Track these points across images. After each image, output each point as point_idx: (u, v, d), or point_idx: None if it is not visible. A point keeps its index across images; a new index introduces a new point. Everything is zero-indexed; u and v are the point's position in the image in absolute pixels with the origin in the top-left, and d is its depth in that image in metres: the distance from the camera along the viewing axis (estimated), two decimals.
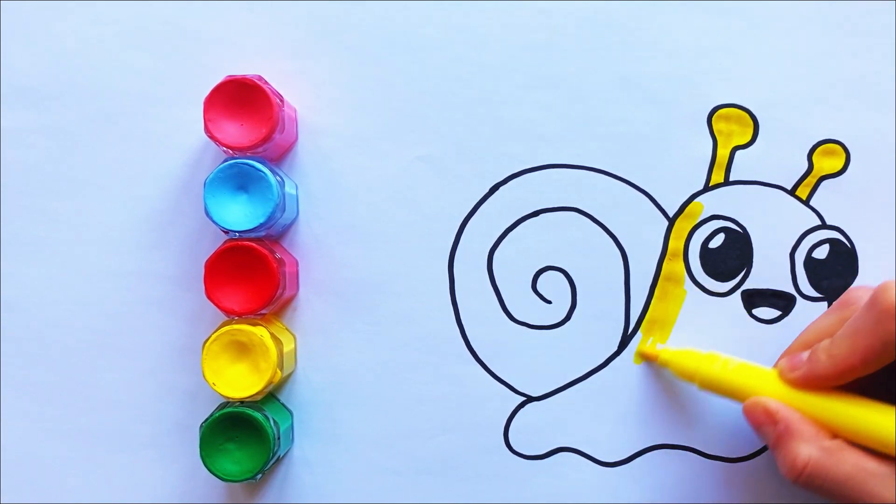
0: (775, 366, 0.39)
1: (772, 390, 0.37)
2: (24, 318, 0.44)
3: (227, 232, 0.40)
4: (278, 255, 0.41)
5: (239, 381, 0.40)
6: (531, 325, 0.43)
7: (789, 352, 0.40)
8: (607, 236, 0.43)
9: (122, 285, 0.43)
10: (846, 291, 0.40)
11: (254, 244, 0.40)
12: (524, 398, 0.43)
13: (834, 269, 0.43)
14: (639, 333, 0.43)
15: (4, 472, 0.44)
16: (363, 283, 0.43)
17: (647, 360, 0.43)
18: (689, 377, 0.41)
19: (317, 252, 0.44)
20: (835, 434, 0.36)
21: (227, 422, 0.40)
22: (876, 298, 0.34)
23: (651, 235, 0.43)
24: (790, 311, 0.43)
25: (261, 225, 0.40)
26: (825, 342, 0.36)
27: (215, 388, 0.40)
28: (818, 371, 0.36)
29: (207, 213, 0.40)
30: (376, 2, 0.43)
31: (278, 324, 0.43)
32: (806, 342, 0.39)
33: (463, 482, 0.43)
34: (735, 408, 0.40)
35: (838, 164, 0.43)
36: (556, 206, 0.43)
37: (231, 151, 0.41)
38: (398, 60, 0.43)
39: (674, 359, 0.41)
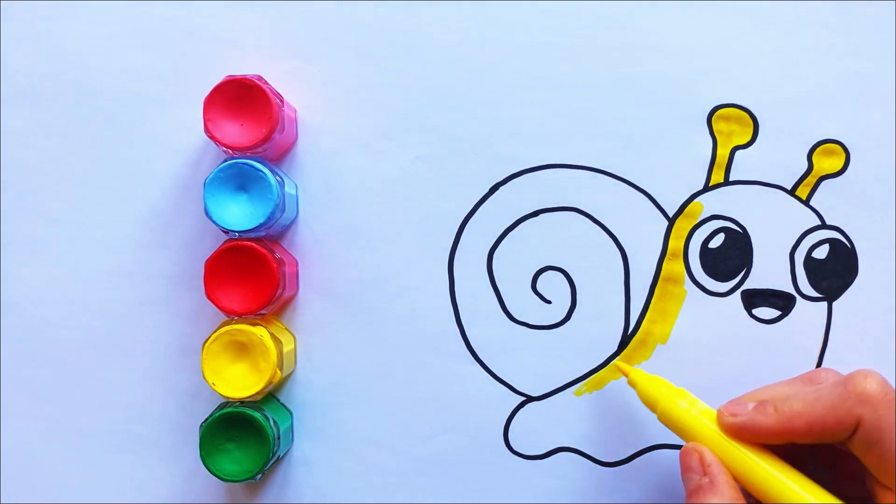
0: (717, 410, 0.38)
1: (719, 445, 0.37)
2: (24, 318, 0.44)
3: (227, 232, 0.40)
4: (278, 255, 0.41)
5: (239, 381, 0.40)
6: (531, 325, 0.43)
7: (738, 401, 0.39)
8: (607, 236, 0.43)
9: (122, 285, 0.43)
10: (815, 369, 0.40)
11: (254, 244, 0.40)
12: (524, 398, 0.43)
13: (834, 269, 0.43)
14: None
15: (4, 472, 0.44)
16: (363, 283, 0.43)
17: (622, 373, 0.42)
18: (652, 405, 0.40)
19: (317, 252, 0.44)
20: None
21: (227, 422, 0.40)
22: (852, 379, 0.34)
23: (651, 235, 0.43)
24: (790, 311, 0.43)
25: (261, 225, 0.40)
26: (777, 399, 0.36)
27: (215, 388, 0.40)
28: (759, 422, 0.36)
29: (207, 213, 0.40)
30: (376, 2, 0.43)
31: (278, 324, 0.43)
32: (757, 397, 0.38)
33: (463, 482, 0.43)
34: None
35: (838, 164, 0.43)
36: (556, 206, 0.43)
37: (231, 151, 0.41)
38: (398, 60, 0.43)
39: (642, 382, 0.40)
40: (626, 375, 0.42)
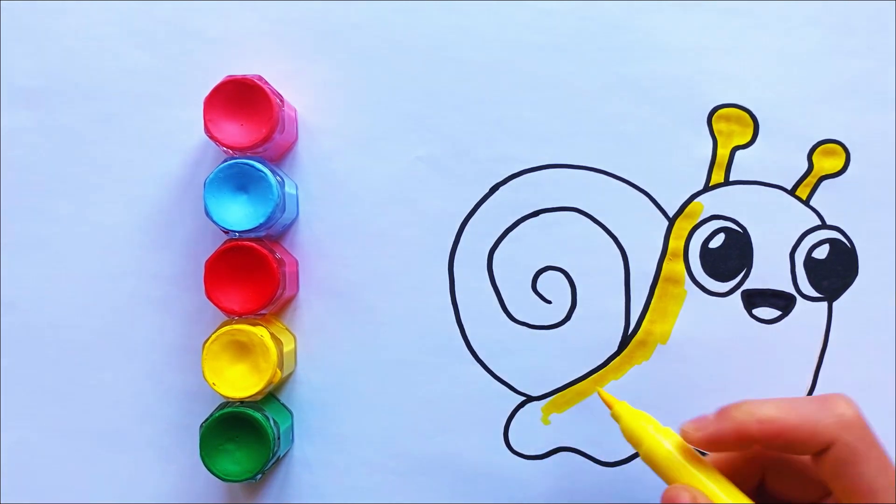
0: (680, 430, 0.36)
1: (702, 484, 0.35)
2: (24, 318, 0.44)
3: (227, 232, 0.40)
4: (278, 255, 0.41)
5: (239, 381, 0.40)
6: (531, 325, 0.43)
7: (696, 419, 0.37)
8: (607, 236, 0.43)
9: (122, 285, 0.43)
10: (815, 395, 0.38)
11: (254, 244, 0.40)
12: (524, 398, 0.43)
13: (834, 269, 0.43)
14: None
15: (4, 472, 0.44)
16: (363, 283, 0.43)
17: (606, 404, 0.39)
18: (636, 444, 0.37)
19: (317, 252, 0.44)
20: None
21: (227, 422, 0.40)
22: (830, 399, 0.34)
23: (651, 235, 0.43)
24: (790, 311, 0.43)
25: (261, 225, 0.40)
26: (741, 405, 0.35)
27: (215, 388, 0.40)
28: (723, 429, 0.34)
29: (207, 213, 0.40)
30: (376, 2, 0.43)
31: (278, 324, 0.43)
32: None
33: (463, 482, 0.43)
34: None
35: (838, 164, 0.43)
36: (556, 206, 0.43)
37: (231, 151, 0.41)
38: (398, 60, 0.43)
39: (626, 418, 0.37)
40: (609, 408, 0.39)
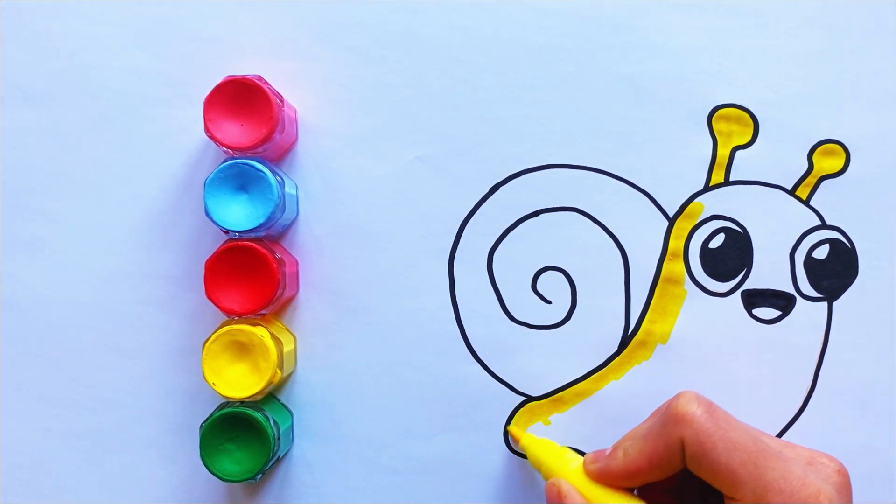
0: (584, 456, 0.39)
1: (593, 494, 0.37)
2: (24, 318, 0.44)
3: (227, 232, 0.40)
4: (278, 255, 0.41)
5: (239, 381, 0.40)
6: (531, 325, 0.43)
7: (612, 447, 0.39)
8: (607, 236, 0.43)
9: (123, 285, 0.43)
10: (668, 399, 0.40)
11: (254, 244, 0.40)
12: (524, 398, 0.43)
13: (834, 269, 0.43)
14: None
15: (4, 472, 0.44)
16: (363, 283, 0.43)
17: (513, 438, 0.43)
18: (537, 467, 0.40)
19: (317, 252, 0.44)
20: None
21: (227, 422, 0.40)
22: (669, 404, 0.35)
23: (651, 235, 0.43)
24: (790, 311, 0.43)
25: (261, 225, 0.40)
26: (627, 441, 0.37)
27: (215, 388, 0.40)
28: (612, 467, 0.36)
29: (207, 213, 0.40)
30: (376, 2, 0.43)
31: (278, 324, 0.43)
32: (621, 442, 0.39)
33: (463, 482, 0.43)
34: (742, 407, 0.40)
35: (838, 164, 0.43)
36: (556, 206, 0.43)
37: (231, 151, 0.41)
38: (398, 60, 0.43)
39: (530, 447, 0.41)
40: (517, 441, 0.42)
